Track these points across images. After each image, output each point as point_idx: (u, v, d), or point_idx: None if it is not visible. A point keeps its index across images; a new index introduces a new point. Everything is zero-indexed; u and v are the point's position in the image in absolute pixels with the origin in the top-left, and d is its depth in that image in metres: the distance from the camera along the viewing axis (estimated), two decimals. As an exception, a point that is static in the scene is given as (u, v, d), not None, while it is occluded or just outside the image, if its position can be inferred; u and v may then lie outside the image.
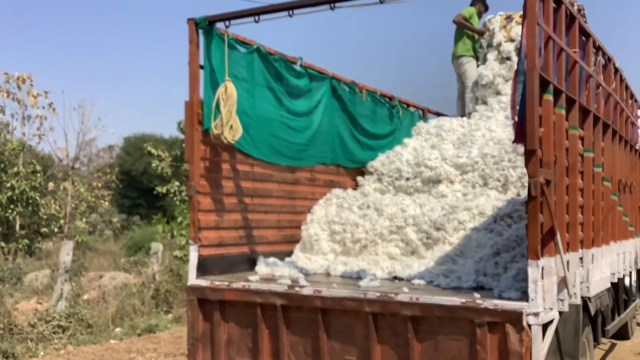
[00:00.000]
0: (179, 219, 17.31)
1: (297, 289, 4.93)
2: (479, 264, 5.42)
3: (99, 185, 21.71)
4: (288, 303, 4.92)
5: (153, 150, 18.89)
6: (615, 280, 6.88)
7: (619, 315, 7.51)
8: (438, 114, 9.63)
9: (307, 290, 4.88)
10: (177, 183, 18.52)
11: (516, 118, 4.40)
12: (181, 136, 19.36)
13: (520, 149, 7.03)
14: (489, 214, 6.26)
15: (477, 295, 4.47)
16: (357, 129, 7.78)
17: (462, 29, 9.37)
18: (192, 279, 5.41)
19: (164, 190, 18.53)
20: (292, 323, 4.95)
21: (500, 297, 4.42)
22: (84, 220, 19.17)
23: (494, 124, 8.20)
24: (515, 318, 4.09)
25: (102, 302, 10.74)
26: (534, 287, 4.12)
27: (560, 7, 4.91)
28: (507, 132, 7.88)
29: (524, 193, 6.69)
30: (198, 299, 5.31)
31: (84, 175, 24.65)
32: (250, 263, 6.09)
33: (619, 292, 7.55)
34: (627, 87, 7.77)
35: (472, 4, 9.57)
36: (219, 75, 5.76)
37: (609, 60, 6.57)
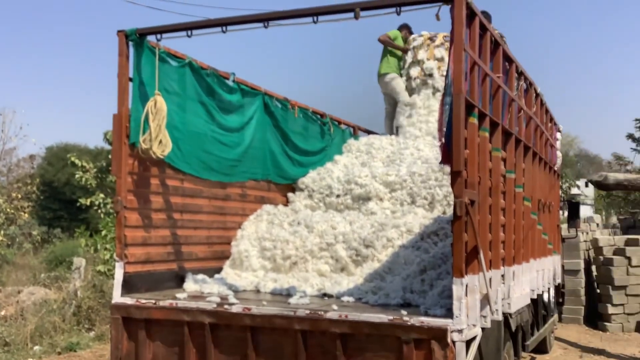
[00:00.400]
0: (104, 233, 16.82)
1: (226, 306, 4.89)
2: (406, 280, 5.53)
3: (19, 196, 20.85)
4: (216, 321, 4.86)
5: (77, 161, 18.29)
6: (535, 297, 7.15)
7: (538, 330, 7.79)
8: (368, 132, 9.79)
9: (236, 308, 4.84)
10: (101, 195, 18.01)
11: (443, 140, 4.54)
12: (107, 147, 18.88)
13: (447, 169, 7.27)
14: (417, 231, 6.39)
15: (404, 312, 4.55)
16: (289, 145, 7.81)
17: (387, 46, 9.59)
18: (117, 297, 5.27)
19: (88, 203, 17.98)
20: (221, 342, 4.89)
21: (426, 314, 4.52)
22: (2, 232, 18.36)
23: (422, 143, 8.41)
24: (440, 335, 4.19)
25: (20, 318, 10.27)
26: (458, 305, 4.23)
27: (485, 33, 5.10)
28: (433, 152, 8.10)
29: (449, 211, 6.88)
30: (123, 318, 5.18)
31: (3, 186, 23.67)
32: (178, 280, 5.98)
33: (538, 308, 7.84)
34: (547, 111, 8.12)
35: (398, 28, 9.79)
36: (148, 88, 5.68)
37: (530, 85, 6.87)
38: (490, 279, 4.88)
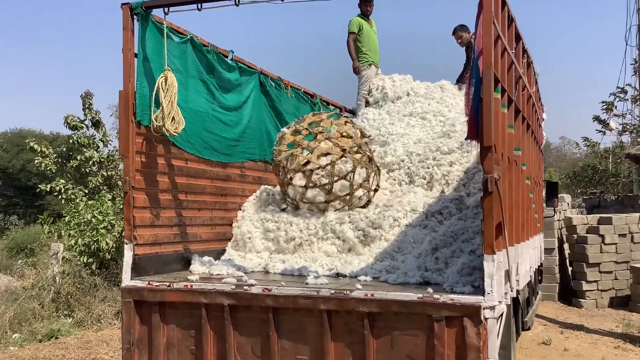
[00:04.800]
0: (67, 219, 16.37)
1: (245, 287, 4.76)
2: (419, 259, 5.50)
3: (-29, 183, 20.09)
4: (236, 302, 4.73)
5: (36, 146, 17.77)
6: (532, 274, 7.25)
7: (531, 307, 7.91)
8: (353, 113, 9.71)
9: (256, 289, 4.73)
10: (62, 181, 17.53)
11: (469, 115, 4.49)
12: (65, 132, 18.36)
13: (445, 147, 7.28)
14: (421, 210, 6.37)
15: (430, 290, 4.51)
16: (283, 125, 7.67)
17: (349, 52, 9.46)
18: (127, 280, 5.09)
19: (48, 189, 17.49)
20: (240, 323, 4.77)
21: (453, 292, 4.49)
22: (-44, 220, 17.70)
23: (406, 124, 8.39)
24: (473, 312, 4.15)
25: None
26: (489, 282, 4.20)
27: (504, 7, 5.07)
28: (424, 132, 8.10)
29: (447, 190, 6.90)
30: (134, 301, 5.01)
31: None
32: (184, 262, 5.83)
33: (531, 286, 7.95)
34: (538, 90, 8.20)
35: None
36: (153, 64, 5.47)
37: (529, 63, 6.90)
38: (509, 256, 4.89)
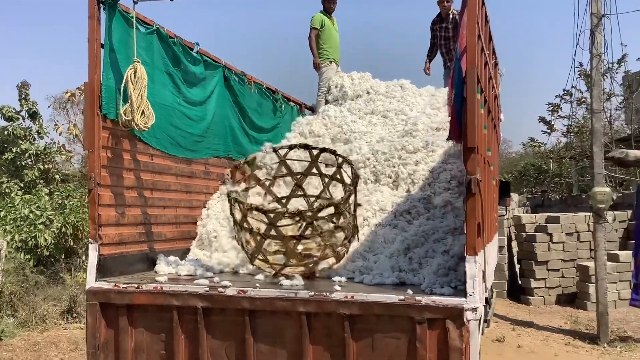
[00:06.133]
0: (2, 213, 15.69)
1: (220, 289, 4.60)
2: (391, 259, 5.45)
3: None
4: (210, 305, 4.57)
5: (-38, 138, 17.01)
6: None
7: (490, 306, 8.01)
8: (313, 110, 9.62)
9: (231, 291, 4.57)
10: (-7, 174, 16.83)
11: (451, 115, 4.46)
12: (0, 123, 17.56)
13: (410, 146, 7.27)
14: (389, 209, 6.33)
15: (410, 292, 4.46)
16: (246, 121, 7.54)
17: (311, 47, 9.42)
18: (92, 282, 4.84)
19: (-21, 182, 16.73)
20: (214, 327, 4.61)
21: (432, 294, 4.45)
22: None
23: (368, 121, 8.37)
24: (456, 314, 4.13)
25: None
26: (472, 283, 4.19)
27: (483, 5, 5.06)
28: (386, 130, 8.10)
29: (413, 189, 6.89)
30: (100, 304, 4.77)
31: None
32: (149, 262, 5.61)
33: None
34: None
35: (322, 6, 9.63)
36: (119, 55, 5.24)
37: (496, 64, 6.96)
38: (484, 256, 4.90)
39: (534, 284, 12.32)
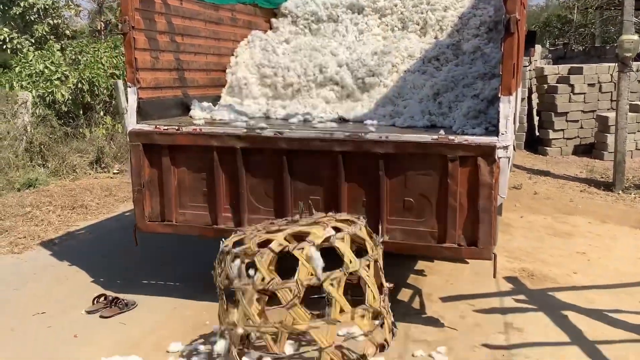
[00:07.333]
0: (17, 69, 15.74)
1: (257, 130, 4.75)
2: (422, 104, 5.54)
3: None
4: (249, 145, 4.74)
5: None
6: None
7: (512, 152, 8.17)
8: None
9: (269, 132, 4.72)
10: (5, 29, 16.65)
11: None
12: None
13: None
14: (417, 56, 6.33)
15: (442, 132, 4.59)
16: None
17: None
18: (133, 123, 5.00)
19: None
20: (252, 166, 4.81)
21: (464, 134, 4.57)
22: None
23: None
24: (488, 152, 4.26)
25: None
26: (504, 122, 4.28)
27: None
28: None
29: (441, 36, 6.83)
30: (143, 145, 4.96)
31: None
32: (184, 108, 5.74)
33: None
34: None
35: None
36: None
37: None
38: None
39: (552, 135, 12.46)
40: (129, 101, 4.99)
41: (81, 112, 12.69)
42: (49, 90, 12.15)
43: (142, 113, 5.07)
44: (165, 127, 4.92)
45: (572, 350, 4.32)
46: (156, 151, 4.96)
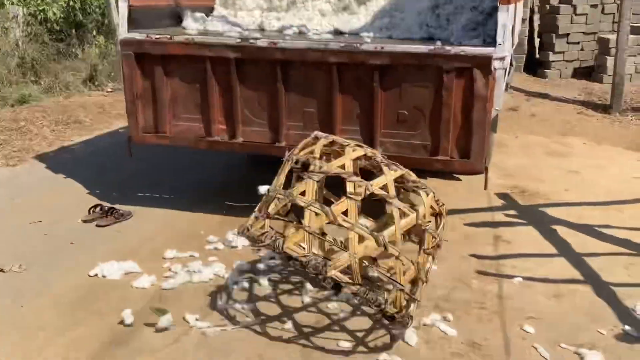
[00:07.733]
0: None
1: (251, 41, 4.66)
2: (420, 16, 5.43)
3: None
4: (242, 56, 4.66)
5: None
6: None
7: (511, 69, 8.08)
8: None
9: (263, 42, 4.64)
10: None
11: None
12: None
13: None
14: (417, -33, 6.15)
15: (439, 43, 4.52)
16: None
17: None
18: (124, 32, 4.90)
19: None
20: (246, 78, 4.75)
21: (460, 45, 4.50)
22: None
23: None
24: (484, 63, 4.20)
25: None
26: (502, 33, 4.19)
27: None
28: None
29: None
30: (135, 54, 4.88)
31: None
32: (176, 18, 5.62)
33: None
34: None
35: None
36: None
37: None
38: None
39: (552, 57, 12.27)
40: (120, 9, 4.88)
41: (74, 31, 12.42)
42: (40, 8, 11.84)
43: (134, 22, 4.97)
44: (157, 36, 4.83)
45: (558, 261, 4.42)
46: (148, 61, 4.88)
